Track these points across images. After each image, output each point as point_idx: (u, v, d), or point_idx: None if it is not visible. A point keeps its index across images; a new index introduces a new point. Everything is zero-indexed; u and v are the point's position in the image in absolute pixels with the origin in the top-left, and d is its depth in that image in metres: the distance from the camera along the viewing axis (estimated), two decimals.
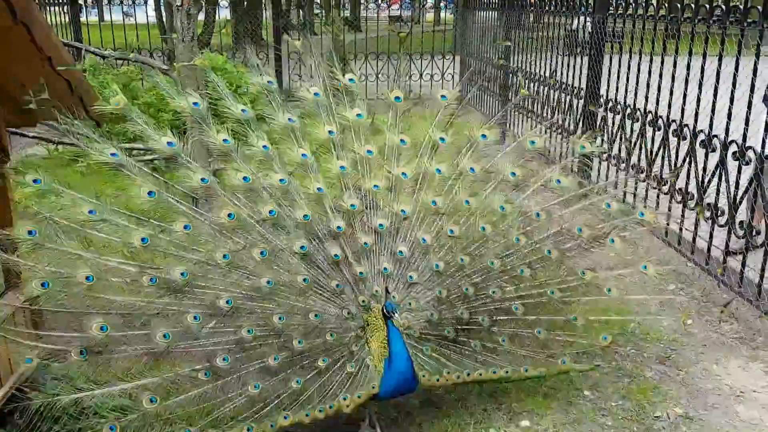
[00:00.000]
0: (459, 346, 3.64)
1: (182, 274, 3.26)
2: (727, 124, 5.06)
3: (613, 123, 6.97)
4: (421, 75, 13.43)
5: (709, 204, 5.32)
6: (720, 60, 5.13)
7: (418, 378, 3.40)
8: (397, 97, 3.74)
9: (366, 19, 26.75)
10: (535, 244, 3.73)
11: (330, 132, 3.61)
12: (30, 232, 3.26)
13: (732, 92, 5.00)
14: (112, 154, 3.32)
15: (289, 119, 3.58)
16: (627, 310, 4.49)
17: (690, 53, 5.59)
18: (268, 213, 3.41)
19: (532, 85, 9.28)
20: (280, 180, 3.49)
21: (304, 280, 3.40)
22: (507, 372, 3.63)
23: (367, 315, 3.50)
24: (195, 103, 3.45)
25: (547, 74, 8.68)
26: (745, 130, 4.87)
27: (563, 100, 8.22)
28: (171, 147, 3.37)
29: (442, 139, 3.75)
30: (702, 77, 5.39)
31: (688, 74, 5.56)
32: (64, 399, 3.23)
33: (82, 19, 13.96)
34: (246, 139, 3.51)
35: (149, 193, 3.33)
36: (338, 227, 3.50)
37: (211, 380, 3.28)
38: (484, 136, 3.80)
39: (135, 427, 3.18)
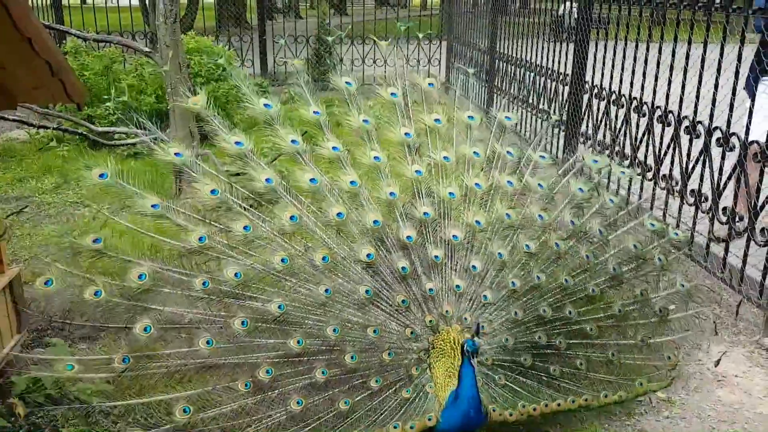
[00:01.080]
0: (536, 374, 3.35)
1: (236, 274, 3.11)
2: (712, 110, 5.08)
3: (599, 109, 6.98)
4: (407, 60, 13.38)
5: (693, 190, 5.35)
6: (705, 46, 5.14)
7: (487, 412, 3.06)
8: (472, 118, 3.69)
9: (352, 2, 26.63)
10: (601, 263, 3.56)
11: (406, 134, 3.48)
12: (95, 241, 3.18)
13: (717, 78, 5.01)
14: (177, 154, 3.28)
15: (364, 120, 3.45)
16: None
17: (675, 39, 5.60)
18: (336, 215, 3.22)
19: (518, 70, 9.26)
20: (351, 182, 3.31)
21: (367, 291, 3.17)
22: (587, 399, 3.35)
23: (434, 337, 3.20)
24: (267, 105, 3.41)
25: (533, 60, 8.66)
26: (730, 116, 4.89)
27: (549, 86, 8.21)
28: (239, 147, 3.30)
29: (509, 152, 3.69)
30: (687, 63, 5.40)
31: (673, 60, 5.58)
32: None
33: (64, 1, 13.74)
34: (316, 141, 3.41)
35: (212, 191, 3.22)
36: (408, 237, 3.25)
37: (251, 392, 3.08)
38: (542, 156, 3.75)
39: None
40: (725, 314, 4.80)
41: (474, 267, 3.30)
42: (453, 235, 3.32)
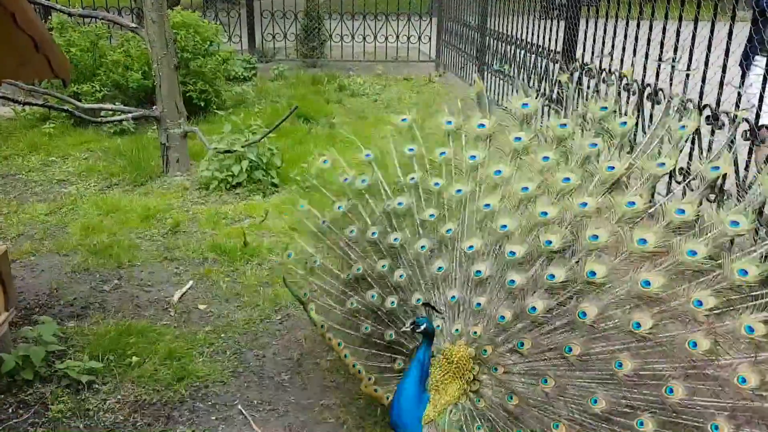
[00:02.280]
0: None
1: (395, 239, 3.33)
2: (701, 87, 5.08)
3: (588, 86, 6.96)
4: (397, 36, 13.28)
5: (681, 168, 5.36)
6: (695, 24, 5.12)
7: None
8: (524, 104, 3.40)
9: None
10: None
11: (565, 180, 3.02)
12: (367, 155, 3.66)
13: (707, 56, 5.01)
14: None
15: (497, 171, 3.24)
16: None
17: (666, 17, 5.57)
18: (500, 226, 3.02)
19: (508, 47, 9.22)
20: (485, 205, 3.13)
21: (439, 268, 3.17)
22: None
23: (447, 347, 2.97)
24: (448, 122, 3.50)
25: (524, 37, 8.62)
26: (719, 93, 4.89)
27: (539, 64, 8.19)
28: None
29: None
30: (677, 41, 5.39)
31: (663, 38, 5.56)
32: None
33: None
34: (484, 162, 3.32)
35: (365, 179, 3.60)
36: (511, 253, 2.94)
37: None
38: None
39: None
40: None
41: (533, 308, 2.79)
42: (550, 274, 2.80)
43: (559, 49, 7.62)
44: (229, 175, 6.61)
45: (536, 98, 3.43)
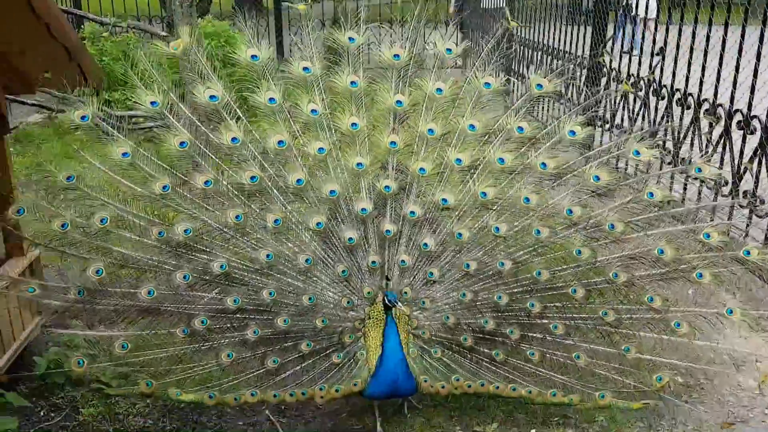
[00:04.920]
0: (476, 355, 3.32)
1: (186, 231, 3.16)
2: (732, 92, 5.01)
3: (617, 92, 6.90)
4: (426, 42, 13.27)
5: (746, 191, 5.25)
6: (726, 28, 5.06)
7: (418, 382, 3.19)
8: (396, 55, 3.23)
9: None
10: (601, 262, 3.22)
11: (397, 102, 3.19)
12: (68, 178, 3.24)
13: (738, 60, 4.94)
14: (153, 103, 3.23)
15: (352, 83, 3.18)
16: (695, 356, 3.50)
17: (696, 21, 5.51)
18: (295, 182, 3.17)
19: (535, 54, 9.17)
20: (319, 149, 3.16)
21: (306, 260, 3.19)
22: (530, 392, 3.26)
23: (370, 308, 3.25)
24: (253, 56, 3.17)
25: (549, 42, 8.57)
26: (751, 98, 4.82)
27: (565, 68, 8.13)
28: (213, 101, 3.15)
29: (520, 128, 3.29)
30: (707, 45, 5.32)
31: (693, 42, 5.49)
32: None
33: None
34: (295, 100, 3.20)
35: (182, 143, 3.15)
36: (362, 209, 3.16)
37: (187, 339, 3.25)
38: (572, 132, 3.27)
39: (102, 368, 3.32)
40: (745, 299, 4.74)
41: (425, 245, 3.21)
42: (410, 211, 3.18)
43: (586, 53, 7.57)
44: None
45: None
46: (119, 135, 3.22)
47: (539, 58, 9.03)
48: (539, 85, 3.28)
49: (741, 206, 4.97)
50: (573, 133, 3.26)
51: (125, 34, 9.43)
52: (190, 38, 3.19)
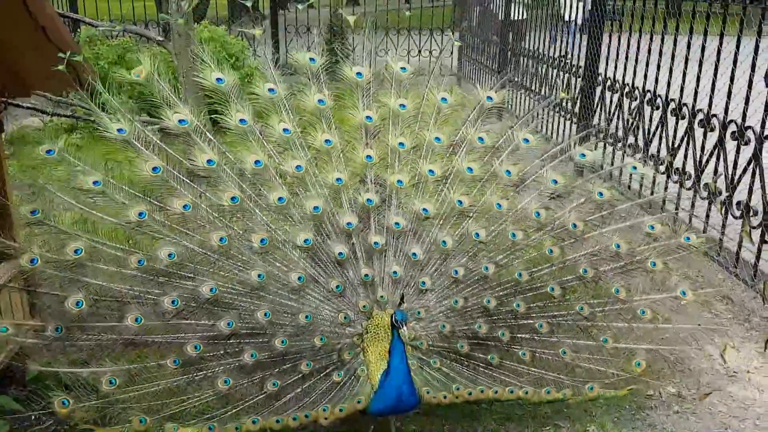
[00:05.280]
0: (472, 362, 3.35)
1: (170, 255, 3.09)
2: (727, 103, 5.04)
3: (611, 102, 6.94)
4: (420, 51, 13.34)
5: (706, 184, 5.31)
6: (721, 39, 5.09)
7: (420, 395, 3.12)
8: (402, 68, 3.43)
9: None
10: (570, 260, 3.43)
11: (367, 118, 3.32)
12: (33, 212, 3.20)
13: (732, 71, 4.97)
14: (119, 130, 3.21)
15: (319, 101, 3.28)
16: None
17: (690, 31, 5.54)
18: (277, 200, 3.17)
19: (530, 62, 9.21)
20: (296, 167, 3.21)
21: (299, 278, 3.15)
22: (526, 392, 3.31)
23: (368, 322, 3.19)
24: (219, 80, 3.23)
25: (545, 52, 8.61)
26: (745, 109, 4.84)
27: (562, 78, 8.17)
28: (183, 125, 3.19)
29: (480, 138, 3.47)
30: (702, 56, 5.35)
31: (688, 53, 5.53)
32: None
33: None
34: (266, 120, 3.27)
35: (154, 168, 3.14)
36: (348, 223, 3.19)
37: (179, 370, 3.11)
38: (526, 139, 3.51)
39: (89, 407, 3.08)
40: (737, 309, 4.77)
41: (414, 254, 3.25)
42: (395, 223, 3.24)
43: (581, 63, 7.60)
44: None
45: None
46: (151, 155, 3.20)
47: (535, 66, 9.07)
48: (489, 98, 3.49)
49: (734, 216, 5.00)
50: (527, 140, 3.51)
51: (121, 38, 9.43)
52: (151, 66, 3.23)
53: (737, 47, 4.88)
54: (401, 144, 3.35)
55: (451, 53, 13.47)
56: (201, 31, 8.66)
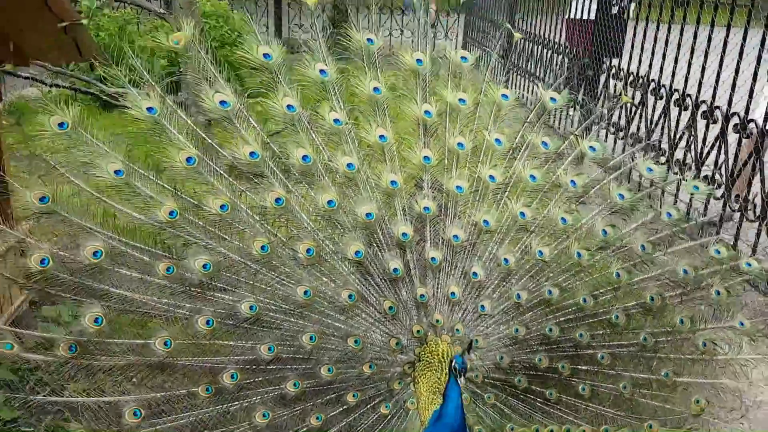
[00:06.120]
0: (530, 397, 2.98)
1: (205, 266, 2.64)
2: (731, 95, 5.01)
3: (614, 90, 6.91)
4: (425, 35, 13.23)
5: (706, 177, 5.29)
6: (728, 30, 5.05)
7: None
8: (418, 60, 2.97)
9: None
10: (636, 285, 3.03)
11: (426, 113, 2.91)
12: (42, 199, 2.67)
13: (738, 63, 4.93)
14: (149, 109, 2.74)
15: (375, 89, 2.85)
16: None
17: (697, 22, 5.50)
18: (326, 203, 2.74)
19: (535, 47, 9.14)
20: (348, 165, 2.79)
21: (350, 296, 2.74)
22: (583, 431, 2.99)
23: (421, 349, 2.80)
24: (266, 56, 2.79)
25: (551, 37, 8.55)
26: (749, 102, 4.82)
27: (566, 65, 8.12)
28: (224, 107, 2.74)
29: (544, 143, 3.10)
30: (708, 47, 5.31)
31: (694, 43, 5.48)
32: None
33: None
34: (316, 110, 2.84)
35: (189, 159, 2.67)
36: (404, 234, 2.77)
37: (212, 399, 2.69)
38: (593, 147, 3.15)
39: None
40: (747, 312, 4.71)
41: (475, 274, 2.86)
42: (454, 235, 2.86)
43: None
44: None
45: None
46: (184, 140, 2.72)
47: (539, 51, 9.00)
48: (552, 99, 3.16)
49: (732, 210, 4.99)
50: (593, 149, 3.13)
51: (122, 9, 9.34)
52: (194, 30, 2.72)
53: (744, 39, 4.84)
54: (460, 145, 2.94)
55: (456, 36, 13.36)
56: (204, 3, 8.58)
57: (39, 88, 8.62)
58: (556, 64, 8.37)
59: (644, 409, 3.10)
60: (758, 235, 4.69)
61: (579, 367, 3.01)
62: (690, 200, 5.23)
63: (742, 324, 3.13)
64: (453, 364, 2.54)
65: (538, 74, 8.99)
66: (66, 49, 3.42)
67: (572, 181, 3.03)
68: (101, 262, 2.60)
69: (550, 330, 2.91)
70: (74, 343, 2.61)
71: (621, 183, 3.17)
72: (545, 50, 8.75)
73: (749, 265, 3.14)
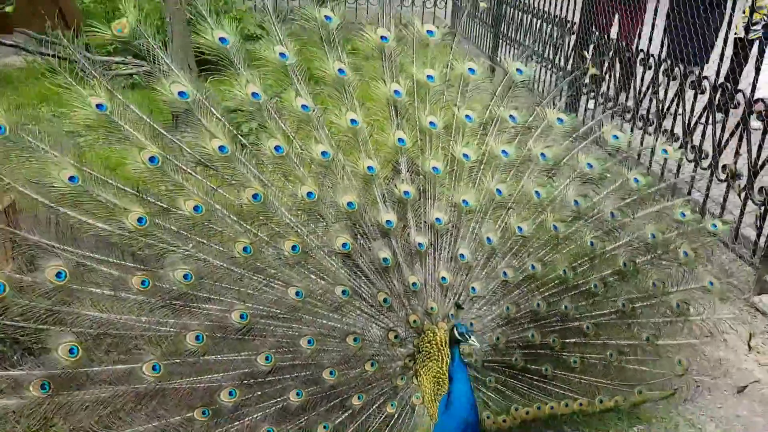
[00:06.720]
0: (527, 376, 3.00)
1: (186, 276, 2.47)
2: (719, 65, 5.01)
3: (604, 61, 6.88)
4: (413, 2, 13.08)
5: (694, 146, 5.31)
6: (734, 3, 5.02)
7: (481, 419, 2.70)
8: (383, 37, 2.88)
9: None
10: (609, 253, 3.09)
11: (395, 92, 2.85)
12: None
13: (726, 33, 4.93)
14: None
15: (339, 71, 2.78)
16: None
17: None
18: (306, 195, 2.64)
19: (524, 16, 9.06)
20: (322, 153, 2.70)
21: (343, 292, 2.67)
22: (581, 404, 3.02)
23: (419, 339, 2.76)
24: (222, 39, 2.69)
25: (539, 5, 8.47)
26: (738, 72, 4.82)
27: (555, 34, 8.06)
28: (183, 98, 2.59)
29: (512, 117, 3.11)
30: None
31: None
32: None
33: None
34: (280, 96, 2.76)
35: (151, 158, 2.52)
36: (388, 221, 2.73)
37: (209, 421, 2.52)
38: (560, 119, 3.21)
39: None
40: (716, 272, 4.79)
41: (462, 256, 2.84)
42: (437, 218, 2.82)
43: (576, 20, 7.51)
44: None
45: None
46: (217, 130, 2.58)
47: (528, 21, 8.93)
48: (519, 70, 3.18)
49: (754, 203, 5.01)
50: (561, 120, 3.21)
51: None
52: (137, 16, 2.57)
53: (733, 9, 4.83)
54: (432, 124, 2.90)
55: (445, 4, 13.21)
56: None
57: (23, 57, 8.51)
58: (546, 35, 8.31)
59: (632, 375, 3.19)
60: (726, 193, 4.73)
61: (568, 339, 3.07)
62: (663, 165, 5.34)
63: (711, 284, 3.29)
64: (455, 332, 2.51)
65: (526, 43, 8.93)
66: (51, 16, 3.37)
67: (542, 153, 3.07)
68: (65, 284, 2.38)
69: (538, 305, 2.95)
70: (46, 380, 2.36)
71: (589, 152, 3.25)
72: (535, 19, 8.68)
73: (715, 226, 3.32)
